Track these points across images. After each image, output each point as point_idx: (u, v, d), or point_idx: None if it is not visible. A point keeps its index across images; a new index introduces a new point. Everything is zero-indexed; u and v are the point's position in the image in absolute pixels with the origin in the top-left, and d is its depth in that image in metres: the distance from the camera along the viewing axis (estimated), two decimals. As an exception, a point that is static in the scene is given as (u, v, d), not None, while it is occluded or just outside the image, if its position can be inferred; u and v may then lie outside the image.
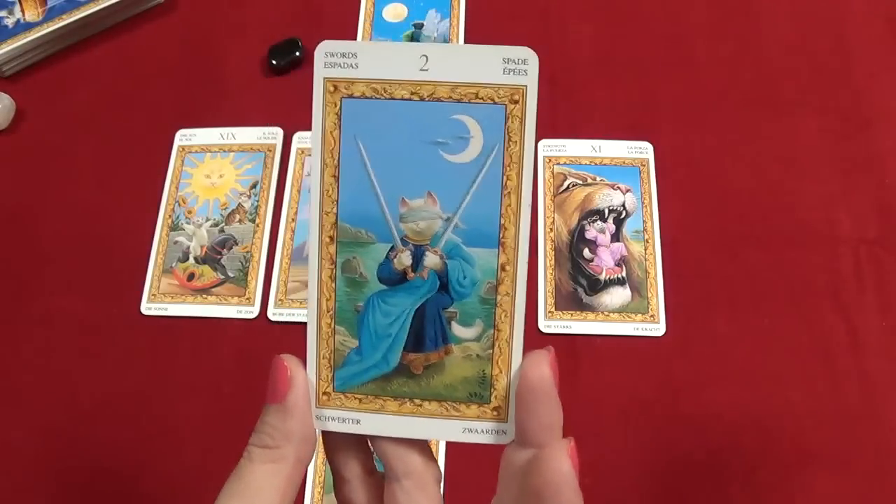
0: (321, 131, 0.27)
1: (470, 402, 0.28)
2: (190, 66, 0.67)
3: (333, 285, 0.28)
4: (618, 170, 0.61)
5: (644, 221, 0.59)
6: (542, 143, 0.62)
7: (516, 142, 0.27)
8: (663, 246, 0.58)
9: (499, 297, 0.27)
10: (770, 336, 0.55)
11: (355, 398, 0.28)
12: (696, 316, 0.56)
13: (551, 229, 0.59)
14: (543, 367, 0.26)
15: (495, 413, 0.28)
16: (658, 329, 0.56)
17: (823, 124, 0.62)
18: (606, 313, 0.56)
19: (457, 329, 0.28)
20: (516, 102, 0.26)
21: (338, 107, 0.27)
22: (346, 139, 0.27)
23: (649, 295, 0.57)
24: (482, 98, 0.26)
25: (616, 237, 0.59)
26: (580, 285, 0.57)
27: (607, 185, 0.60)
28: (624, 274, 0.57)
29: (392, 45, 0.27)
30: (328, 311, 0.28)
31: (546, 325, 0.56)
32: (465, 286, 0.27)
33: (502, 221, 0.27)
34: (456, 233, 0.27)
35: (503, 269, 0.27)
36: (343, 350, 0.28)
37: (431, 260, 0.28)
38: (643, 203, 0.59)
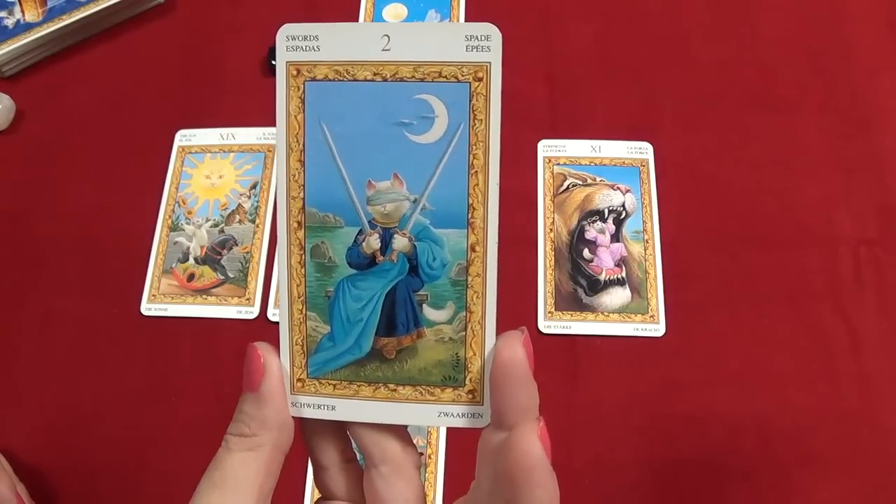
0: (285, 115, 0.27)
1: (444, 385, 0.27)
2: (189, 67, 0.67)
3: (303, 271, 0.28)
4: (618, 170, 0.61)
5: (644, 222, 0.59)
6: (542, 143, 0.62)
7: (482, 120, 0.26)
8: (663, 246, 0.58)
9: (470, 279, 0.27)
10: (770, 336, 0.55)
11: (329, 384, 0.28)
12: (696, 316, 0.56)
13: (551, 230, 0.59)
14: (517, 347, 0.25)
15: (470, 396, 0.27)
16: (658, 329, 0.56)
17: (823, 124, 0.62)
18: (606, 314, 0.56)
19: (428, 312, 0.27)
20: (480, 80, 0.26)
21: (301, 90, 0.27)
22: (310, 123, 0.27)
23: (649, 295, 0.57)
24: (445, 76, 0.26)
25: (616, 237, 0.59)
26: (580, 286, 0.57)
27: (607, 185, 0.60)
28: (624, 274, 0.57)
29: (353, 25, 0.27)
30: (299, 297, 0.28)
31: (546, 325, 0.56)
32: (435, 268, 0.27)
33: (470, 201, 0.26)
34: (424, 214, 0.27)
35: (473, 249, 0.27)
36: (316, 336, 0.28)
37: (400, 243, 0.27)
38: (643, 203, 0.59)
